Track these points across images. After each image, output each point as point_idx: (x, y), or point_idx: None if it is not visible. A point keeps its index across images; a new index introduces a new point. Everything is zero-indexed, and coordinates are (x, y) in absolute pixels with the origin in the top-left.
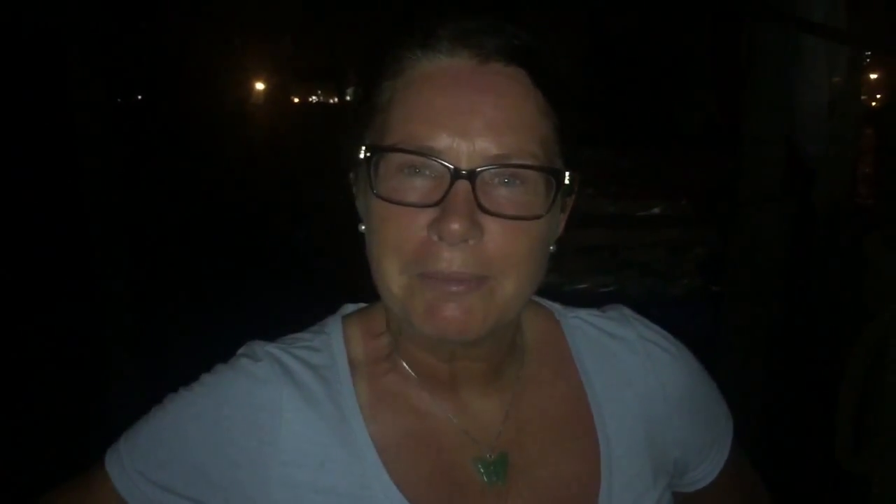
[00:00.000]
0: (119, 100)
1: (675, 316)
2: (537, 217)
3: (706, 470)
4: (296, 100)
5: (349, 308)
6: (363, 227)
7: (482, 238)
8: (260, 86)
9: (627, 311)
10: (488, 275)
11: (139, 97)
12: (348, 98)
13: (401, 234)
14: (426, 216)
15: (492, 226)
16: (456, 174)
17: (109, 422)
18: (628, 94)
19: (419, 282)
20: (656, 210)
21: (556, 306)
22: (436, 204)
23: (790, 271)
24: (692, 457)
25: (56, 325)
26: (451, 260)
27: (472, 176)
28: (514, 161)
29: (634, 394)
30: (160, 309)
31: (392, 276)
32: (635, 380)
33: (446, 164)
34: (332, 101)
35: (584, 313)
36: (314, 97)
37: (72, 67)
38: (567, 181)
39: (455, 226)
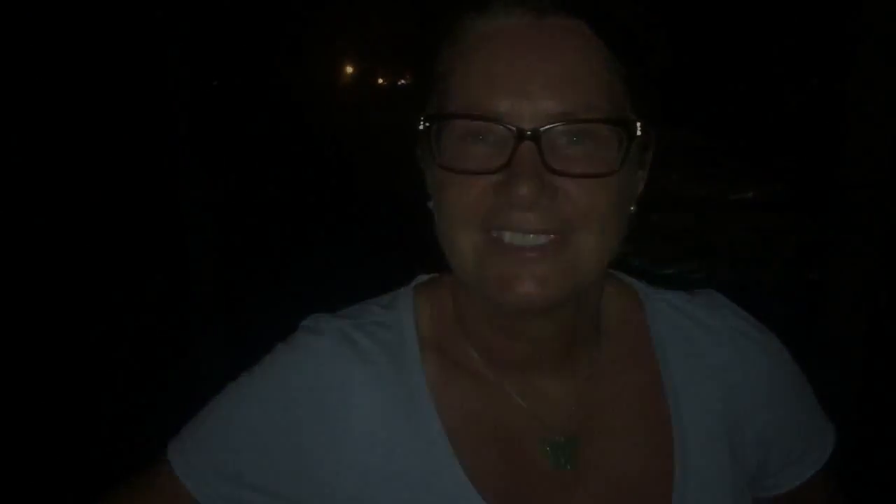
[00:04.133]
0: (215, 83)
1: (768, 305)
2: (609, 174)
3: (788, 477)
4: (381, 81)
5: (423, 279)
6: (431, 203)
7: (555, 200)
8: (349, 69)
9: (719, 298)
10: (566, 231)
11: (235, 82)
12: None
13: (466, 200)
14: (491, 182)
15: (564, 186)
16: (520, 136)
17: (191, 388)
18: (722, 74)
19: (491, 249)
20: (749, 194)
21: (641, 285)
22: (500, 169)
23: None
24: (775, 460)
25: (146, 299)
26: (524, 218)
27: (536, 136)
28: (580, 116)
29: (717, 387)
30: (245, 282)
31: (462, 244)
32: (719, 372)
33: (509, 126)
34: None
35: (671, 296)
36: (402, 81)
37: (169, 55)
38: (639, 132)
39: (523, 190)
